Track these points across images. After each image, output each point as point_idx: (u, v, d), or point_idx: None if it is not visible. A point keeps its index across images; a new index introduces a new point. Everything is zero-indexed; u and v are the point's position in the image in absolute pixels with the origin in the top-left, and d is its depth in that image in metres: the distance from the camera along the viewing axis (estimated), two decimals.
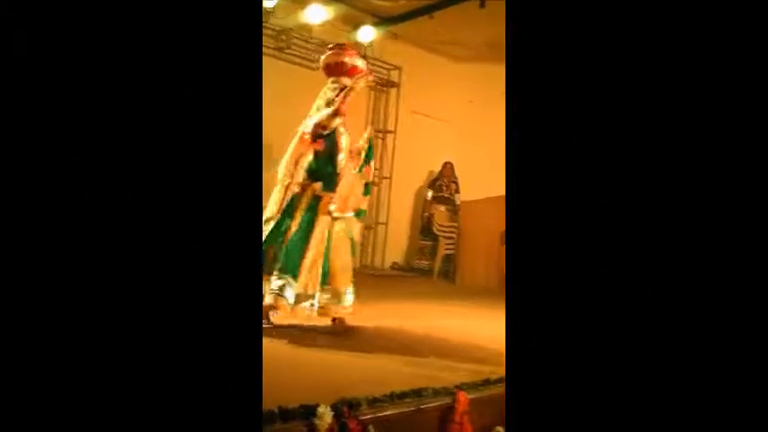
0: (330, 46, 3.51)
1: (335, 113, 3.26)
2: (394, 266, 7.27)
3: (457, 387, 2.23)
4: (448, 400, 2.16)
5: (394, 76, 7.21)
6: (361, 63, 3.42)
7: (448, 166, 7.14)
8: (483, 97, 7.16)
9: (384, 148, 7.26)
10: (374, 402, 2.00)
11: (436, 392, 2.17)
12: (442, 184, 7.15)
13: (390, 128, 7.24)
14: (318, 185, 3.27)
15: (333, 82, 3.37)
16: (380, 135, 7.24)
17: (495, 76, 7.09)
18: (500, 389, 2.38)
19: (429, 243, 7.06)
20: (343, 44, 3.54)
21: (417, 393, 2.12)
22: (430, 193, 7.14)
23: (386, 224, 7.32)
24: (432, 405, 2.12)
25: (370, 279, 6.11)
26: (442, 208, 7.02)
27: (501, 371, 2.49)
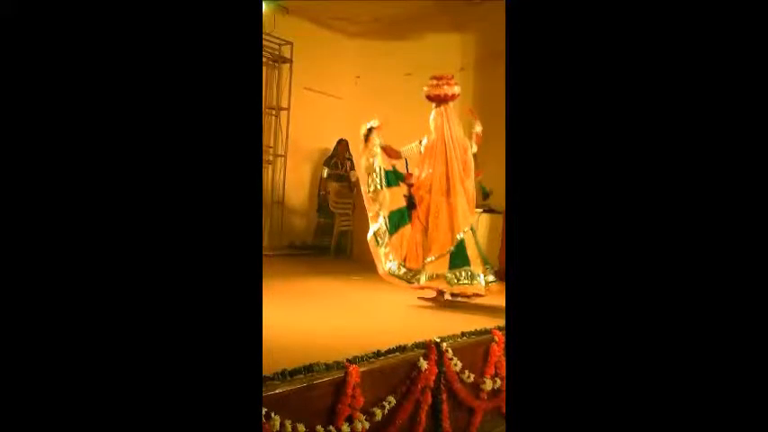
0: (431, 77, 4.04)
1: None
2: (291, 246, 7.20)
3: (348, 360, 2.26)
4: (339, 374, 2.19)
5: (285, 51, 7.07)
6: (457, 89, 4.02)
7: (342, 144, 7.11)
8: (371, 73, 7.19)
9: (278, 126, 7.13)
10: (265, 381, 1.98)
11: (328, 367, 2.18)
12: (338, 161, 7.12)
13: (284, 104, 7.12)
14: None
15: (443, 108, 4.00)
16: (273, 112, 7.10)
17: (384, 52, 7.22)
18: (390, 360, 2.44)
19: (326, 221, 7.04)
20: (440, 76, 4.03)
21: (309, 369, 2.13)
22: (326, 171, 7.08)
23: (281, 203, 7.23)
24: (324, 380, 2.14)
25: (265, 260, 6.01)
26: (338, 185, 7.01)
27: (391, 341, 2.56)
